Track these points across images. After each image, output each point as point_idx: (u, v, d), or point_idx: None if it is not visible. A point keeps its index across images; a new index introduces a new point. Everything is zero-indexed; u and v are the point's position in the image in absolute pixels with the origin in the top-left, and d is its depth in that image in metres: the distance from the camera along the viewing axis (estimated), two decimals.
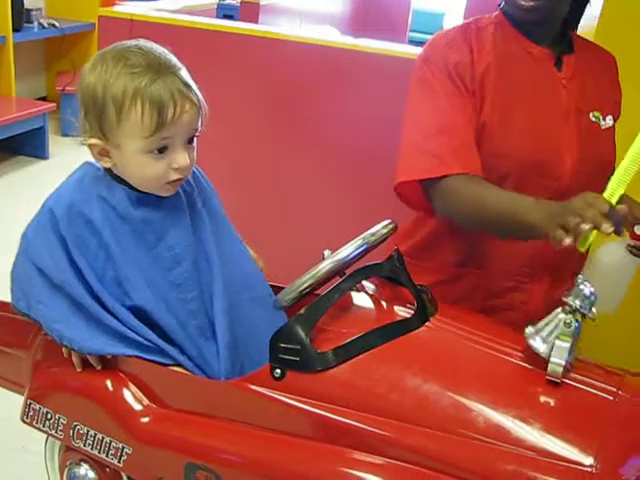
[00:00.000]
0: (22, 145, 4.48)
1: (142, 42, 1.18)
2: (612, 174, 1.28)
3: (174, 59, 1.18)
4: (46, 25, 4.77)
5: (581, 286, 1.10)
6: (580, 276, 1.13)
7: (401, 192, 1.44)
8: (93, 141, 1.17)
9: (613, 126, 1.48)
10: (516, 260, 1.43)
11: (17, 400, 1.49)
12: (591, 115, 1.44)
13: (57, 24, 4.83)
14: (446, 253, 1.47)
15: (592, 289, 1.10)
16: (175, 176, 1.18)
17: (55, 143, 4.74)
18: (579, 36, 1.53)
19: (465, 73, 1.37)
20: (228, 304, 1.26)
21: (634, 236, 1.41)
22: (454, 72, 1.37)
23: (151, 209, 1.21)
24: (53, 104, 4.59)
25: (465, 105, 1.37)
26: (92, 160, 1.25)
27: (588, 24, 2.10)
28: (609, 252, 1.45)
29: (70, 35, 5.04)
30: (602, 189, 1.35)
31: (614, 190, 1.19)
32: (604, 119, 1.46)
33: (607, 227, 1.08)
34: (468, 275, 1.47)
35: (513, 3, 1.37)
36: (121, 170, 1.20)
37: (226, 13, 5.97)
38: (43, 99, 5.12)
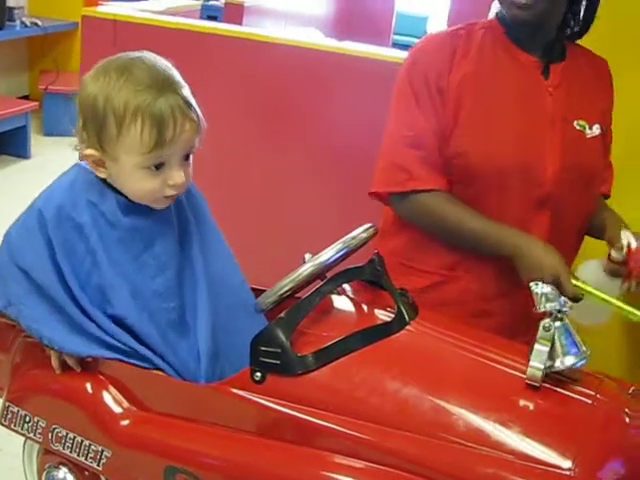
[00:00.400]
0: (4, 144, 4.45)
1: (146, 55, 1.18)
2: (595, 185, 1.40)
3: (177, 75, 1.17)
4: (28, 24, 4.74)
5: (535, 290, 1.12)
6: (531, 283, 1.16)
7: (378, 197, 1.49)
8: (90, 152, 1.16)
9: (601, 135, 1.48)
10: (501, 267, 1.41)
11: None
12: (575, 123, 1.45)
13: (40, 23, 4.81)
14: (436, 255, 1.47)
15: (544, 286, 1.12)
16: (170, 192, 1.18)
17: (37, 142, 4.71)
18: (576, 45, 1.54)
19: (443, 84, 1.40)
20: (213, 313, 1.26)
21: (610, 258, 1.40)
22: (433, 85, 1.40)
23: (140, 217, 1.20)
24: (35, 103, 4.57)
25: (439, 120, 1.40)
26: (80, 162, 1.25)
27: None
28: (589, 271, 1.44)
29: (53, 34, 5.02)
30: (582, 197, 1.42)
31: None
32: (590, 128, 1.46)
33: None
34: (459, 279, 1.46)
35: (505, 7, 1.40)
36: (116, 181, 1.19)
37: (210, 14, 5.97)
38: (25, 98, 5.08)
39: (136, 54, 1.18)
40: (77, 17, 5.17)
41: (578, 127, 1.45)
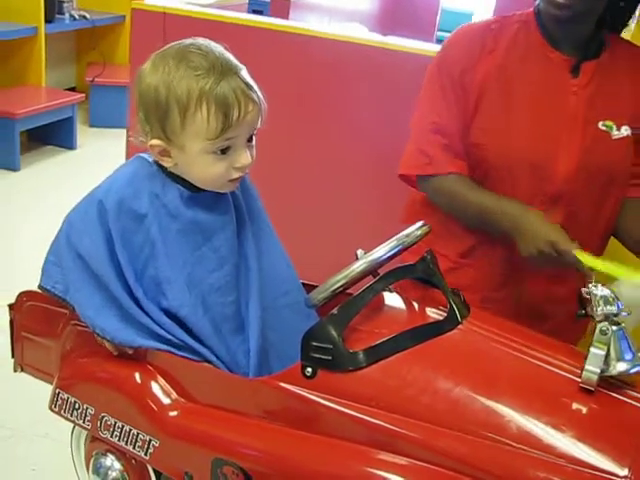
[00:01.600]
0: (51, 135, 4.52)
1: (200, 41, 1.17)
2: (618, 186, 1.42)
3: (233, 58, 1.17)
4: (77, 17, 4.82)
5: (595, 292, 1.09)
6: (584, 289, 1.14)
7: (406, 179, 1.56)
8: (155, 142, 1.16)
9: (630, 136, 1.45)
10: (511, 257, 1.44)
11: (40, 388, 1.50)
12: (601, 124, 1.43)
13: (88, 16, 4.88)
14: (454, 243, 1.50)
15: (603, 289, 1.09)
16: (237, 174, 1.18)
17: (83, 134, 4.78)
18: (620, 39, 1.52)
19: (466, 80, 1.44)
20: (262, 310, 1.26)
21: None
22: (457, 81, 1.45)
23: (201, 210, 1.21)
24: (82, 95, 4.63)
25: (462, 112, 1.44)
26: (141, 154, 1.25)
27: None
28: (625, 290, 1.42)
29: (100, 27, 5.09)
30: (601, 198, 1.44)
31: (593, 263, 1.23)
32: (618, 129, 1.44)
33: None
34: (469, 266, 1.51)
35: (543, 5, 1.39)
36: (182, 169, 1.19)
37: (255, 8, 5.99)
38: (72, 89, 5.15)
39: (189, 41, 1.17)
40: (124, 10, 5.26)
41: (603, 127, 1.43)
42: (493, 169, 1.44)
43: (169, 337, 1.20)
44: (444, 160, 1.46)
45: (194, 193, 1.20)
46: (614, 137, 1.44)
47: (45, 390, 1.42)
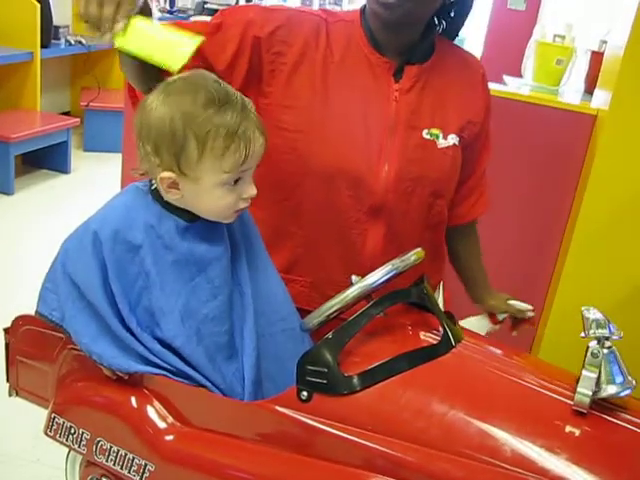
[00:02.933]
0: (45, 159, 4.55)
1: (205, 73, 1.18)
2: (444, 198, 1.44)
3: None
4: (73, 42, 4.86)
5: (587, 315, 1.10)
6: (583, 307, 1.14)
7: None
8: (167, 174, 1.14)
9: (457, 145, 1.39)
10: (334, 271, 1.40)
11: (33, 413, 1.50)
12: (426, 132, 1.36)
13: (83, 41, 4.92)
14: (276, 255, 1.39)
15: (595, 312, 1.11)
16: (243, 205, 1.20)
17: (77, 158, 4.80)
18: (452, 46, 1.47)
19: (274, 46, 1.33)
20: (258, 337, 1.26)
21: (494, 320, 1.63)
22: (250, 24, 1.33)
23: (196, 241, 1.20)
24: (77, 119, 4.65)
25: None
26: (136, 183, 1.25)
27: (615, 52, 2.12)
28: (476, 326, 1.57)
29: (95, 52, 5.13)
30: (426, 209, 1.41)
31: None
32: (445, 137, 1.37)
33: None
34: (294, 282, 1.43)
35: (369, 5, 1.33)
36: (189, 201, 1.18)
37: None
38: (66, 114, 5.18)
39: (193, 72, 1.18)
40: None
41: (428, 136, 1.36)
42: (307, 176, 1.35)
43: (165, 365, 1.20)
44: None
45: (189, 224, 1.21)
46: (440, 146, 1.37)
47: (36, 415, 1.42)
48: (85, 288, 1.19)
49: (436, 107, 1.38)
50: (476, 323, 1.59)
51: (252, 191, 1.19)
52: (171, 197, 1.18)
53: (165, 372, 1.21)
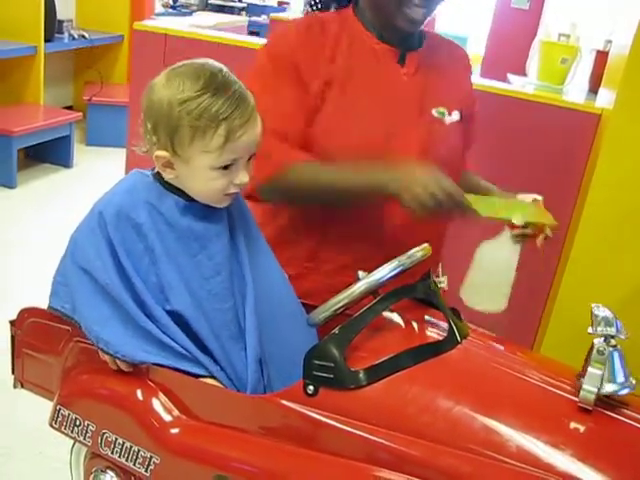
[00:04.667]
0: (48, 153, 4.55)
1: (211, 62, 1.21)
2: (456, 168, 1.46)
3: (239, 80, 1.21)
4: (76, 36, 4.87)
5: (596, 312, 1.11)
6: (592, 304, 1.14)
7: (249, 198, 1.43)
8: (161, 153, 1.19)
9: (459, 120, 1.51)
10: (358, 245, 1.46)
11: (35, 406, 1.51)
12: (434, 111, 1.47)
13: (87, 35, 4.93)
14: (298, 246, 1.49)
15: (604, 310, 1.11)
16: (234, 190, 1.23)
17: (79, 152, 4.80)
18: (432, 33, 1.59)
19: (309, 71, 1.41)
20: (259, 319, 1.28)
21: (512, 226, 1.45)
22: (295, 70, 1.41)
23: (197, 219, 1.24)
24: (79, 113, 4.66)
25: (300, 102, 1.42)
26: (139, 169, 1.29)
27: (620, 52, 2.13)
28: (488, 252, 1.49)
29: (99, 46, 5.13)
30: None
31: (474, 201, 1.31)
32: (449, 114, 1.49)
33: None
34: (317, 271, 1.50)
35: (401, 16, 1.40)
36: (183, 181, 1.23)
37: (253, 30, 6.06)
38: (69, 108, 5.19)
39: (202, 61, 1.21)
40: (123, 30, 5.32)
41: (437, 114, 1.48)
42: (337, 161, 1.42)
43: (173, 345, 1.21)
44: (284, 150, 1.41)
45: (189, 203, 1.24)
46: (447, 122, 1.49)
47: (39, 408, 1.42)
48: (96, 269, 1.21)
49: (438, 87, 1.50)
50: (501, 239, 1.47)
51: (244, 178, 1.22)
52: (167, 176, 1.22)
53: (171, 361, 1.22)
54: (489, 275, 1.50)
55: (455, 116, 1.50)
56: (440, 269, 1.63)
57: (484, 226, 1.50)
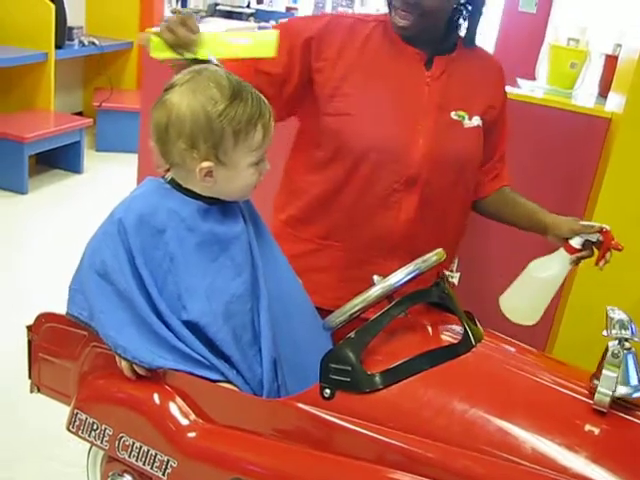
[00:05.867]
0: (58, 159, 4.56)
1: (212, 68, 1.26)
2: (471, 173, 1.55)
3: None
4: (86, 43, 4.89)
5: (611, 315, 1.12)
6: (607, 306, 1.16)
7: None
8: (206, 164, 1.22)
9: (480, 126, 1.57)
10: (369, 237, 1.55)
11: (45, 411, 1.51)
12: (454, 114, 1.54)
13: (97, 42, 4.95)
14: (314, 226, 1.59)
15: (620, 313, 1.12)
16: (259, 180, 1.29)
17: (90, 158, 4.82)
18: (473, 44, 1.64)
19: (317, 51, 1.53)
20: (273, 320, 1.29)
21: (570, 249, 1.50)
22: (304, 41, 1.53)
23: (217, 222, 1.27)
24: (90, 119, 4.67)
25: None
26: (153, 177, 1.31)
27: (630, 56, 2.13)
28: (540, 268, 1.54)
29: (108, 52, 5.15)
30: (454, 181, 1.56)
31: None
32: (470, 119, 1.55)
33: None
34: (330, 247, 1.58)
35: (391, 19, 1.51)
36: (221, 186, 1.26)
37: None
38: (79, 114, 5.21)
39: (206, 67, 1.26)
40: (132, 36, 5.34)
41: (456, 117, 1.54)
42: (352, 153, 1.51)
43: (189, 352, 1.23)
44: None
45: (209, 207, 1.27)
46: (466, 126, 1.55)
47: (48, 413, 1.43)
48: (113, 273, 1.22)
49: (462, 92, 1.56)
50: (555, 258, 1.52)
51: (267, 166, 1.30)
52: (204, 185, 1.25)
53: (187, 367, 1.23)
54: (535, 291, 1.53)
55: (475, 121, 1.56)
56: (455, 266, 1.67)
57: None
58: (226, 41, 1.36)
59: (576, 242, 1.50)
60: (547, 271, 1.52)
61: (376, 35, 1.56)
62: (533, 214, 1.63)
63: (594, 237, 1.49)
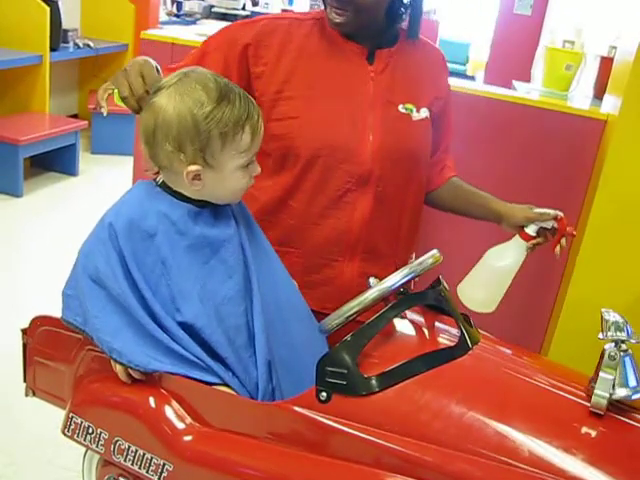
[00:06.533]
0: (53, 161, 4.56)
1: (199, 69, 1.27)
2: (422, 166, 1.57)
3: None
4: (81, 45, 4.89)
5: (606, 317, 1.11)
6: (602, 308, 1.16)
7: None
8: (193, 168, 1.21)
9: (428, 118, 1.57)
10: (325, 240, 1.54)
11: (42, 415, 1.50)
12: (401, 107, 1.53)
13: (92, 44, 4.95)
14: (269, 233, 1.51)
15: (616, 314, 1.12)
16: (250, 183, 1.29)
17: (85, 160, 4.82)
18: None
19: (255, 57, 1.52)
20: (268, 322, 1.29)
21: (526, 237, 1.52)
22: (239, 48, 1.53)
23: (208, 225, 1.26)
24: (85, 122, 4.67)
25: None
26: (143, 180, 1.30)
27: (625, 58, 2.13)
28: (496, 256, 1.55)
29: (103, 55, 5.15)
30: (407, 176, 1.55)
31: None
32: (417, 111, 1.55)
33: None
34: (288, 254, 1.54)
35: (327, 15, 1.50)
36: (210, 190, 1.25)
37: None
38: (74, 117, 5.20)
39: (195, 69, 1.26)
40: (127, 39, 5.34)
41: (404, 110, 1.53)
42: (302, 157, 1.49)
43: (184, 353, 1.22)
44: None
45: (200, 210, 1.26)
46: (414, 119, 1.54)
47: (46, 416, 1.42)
48: (107, 279, 1.22)
49: (407, 84, 1.56)
50: (511, 246, 1.53)
51: (258, 168, 1.29)
52: (193, 189, 1.24)
53: (183, 370, 1.23)
54: (491, 279, 1.53)
55: (423, 113, 1.56)
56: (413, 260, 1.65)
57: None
58: None
59: (531, 230, 1.52)
60: (504, 259, 1.53)
61: (314, 34, 1.55)
62: (487, 203, 1.64)
63: (549, 224, 1.52)
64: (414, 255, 1.69)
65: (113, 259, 1.21)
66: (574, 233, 1.53)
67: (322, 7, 1.53)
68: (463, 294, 1.55)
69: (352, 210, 1.51)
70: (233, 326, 1.26)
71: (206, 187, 1.25)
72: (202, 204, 1.27)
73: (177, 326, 1.23)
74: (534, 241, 1.52)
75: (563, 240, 1.52)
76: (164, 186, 1.28)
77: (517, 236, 1.54)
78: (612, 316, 1.10)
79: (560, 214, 1.52)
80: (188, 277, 1.23)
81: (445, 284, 1.30)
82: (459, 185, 1.71)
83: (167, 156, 1.22)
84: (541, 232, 1.52)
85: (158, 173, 1.29)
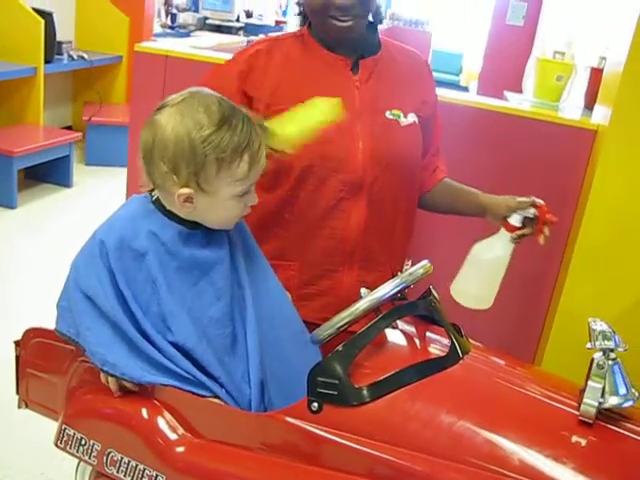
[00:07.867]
0: (47, 173, 4.57)
1: (206, 91, 1.25)
2: (413, 170, 1.59)
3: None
4: (75, 57, 4.91)
5: (593, 327, 1.12)
6: (589, 318, 1.16)
7: None
8: (185, 191, 1.19)
9: (417, 123, 1.59)
10: (322, 251, 1.55)
11: (36, 427, 1.50)
12: (388, 113, 1.55)
13: (86, 56, 4.97)
14: (265, 247, 1.51)
15: (602, 324, 1.13)
16: (246, 212, 1.27)
17: (79, 172, 4.83)
18: (390, 42, 1.67)
19: (253, 87, 1.54)
20: (262, 340, 1.29)
21: (510, 227, 1.52)
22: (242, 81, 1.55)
23: (199, 247, 1.26)
24: (79, 133, 4.68)
25: None
26: (138, 195, 1.30)
27: (615, 69, 2.15)
28: (482, 250, 1.54)
29: (98, 67, 5.17)
30: (399, 180, 1.56)
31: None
32: (405, 116, 1.57)
33: None
34: (283, 267, 1.54)
35: (330, 27, 1.50)
36: (201, 214, 1.24)
37: None
38: (68, 128, 5.21)
39: (200, 90, 1.24)
40: (122, 51, 5.36)
41: (391, 116, 1.56)
42: (294, 169, 1.50)
43: (177, 370, 1.22)
44: None
45: (190, 230, 1.25)
46: (402, 124, 1.56)
47: (39, 429, 1.42)
48: (98, 297, 1.22)
49: (393, 91, 1.59)
50: (496, 238, 1.53)
51: (255, 199, 1.27)
52: (184, 211, 1.23)
53: (176, 382, 1.23)
54: (481, 273, 1.53)
55: (411, 118, 1.58)
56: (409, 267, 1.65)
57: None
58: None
59: (515, 220, 1.52)
60: (491, 252, 1.53)
61: (295, 50, 1.58)
62: (474, 198, 1.66)
63: (530, 213, 1.52)
64: (410, 262, 1.70)
65: (104, 276, 1.21)
66: (554, 220, 1.53)
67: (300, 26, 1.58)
68: (456, 292, 1.55)
69: (347, 218, 1.52)
70: (220, 347, 1.26)
71: (197, 211, 1.23)
72: (195, 225, 1.26)
73: (169, 344, 1.23)
74: (519, 232, 1.52)
75: (546, 229, 1.52)
76: (158, 203, 1.27)
77: (502, 228, 1.54)
78: (599, 325, 1.11)
79: (539, 201, 1.52)
80: (178, 298, 1.23)
81: (436, 294, 1.31)
82: (450, 184, 1.74)
83: (161, 175, 1.20)
84: (527, 223, 1.53)
85: (153, 189, 1.28)
